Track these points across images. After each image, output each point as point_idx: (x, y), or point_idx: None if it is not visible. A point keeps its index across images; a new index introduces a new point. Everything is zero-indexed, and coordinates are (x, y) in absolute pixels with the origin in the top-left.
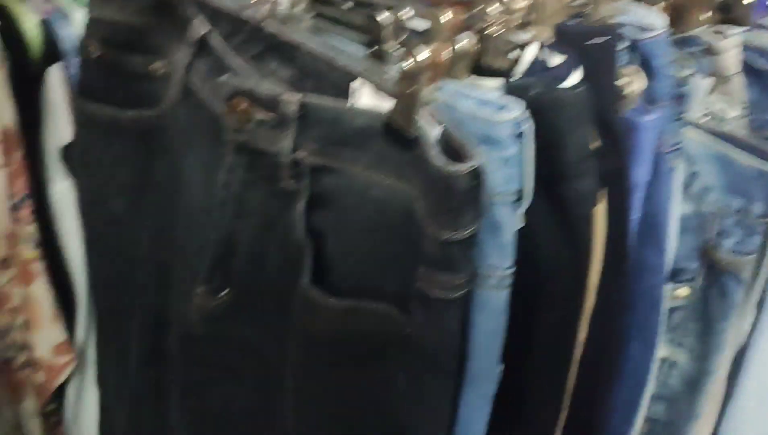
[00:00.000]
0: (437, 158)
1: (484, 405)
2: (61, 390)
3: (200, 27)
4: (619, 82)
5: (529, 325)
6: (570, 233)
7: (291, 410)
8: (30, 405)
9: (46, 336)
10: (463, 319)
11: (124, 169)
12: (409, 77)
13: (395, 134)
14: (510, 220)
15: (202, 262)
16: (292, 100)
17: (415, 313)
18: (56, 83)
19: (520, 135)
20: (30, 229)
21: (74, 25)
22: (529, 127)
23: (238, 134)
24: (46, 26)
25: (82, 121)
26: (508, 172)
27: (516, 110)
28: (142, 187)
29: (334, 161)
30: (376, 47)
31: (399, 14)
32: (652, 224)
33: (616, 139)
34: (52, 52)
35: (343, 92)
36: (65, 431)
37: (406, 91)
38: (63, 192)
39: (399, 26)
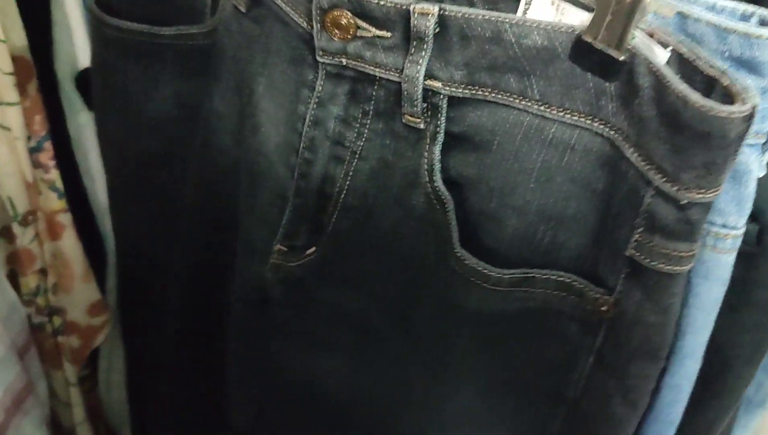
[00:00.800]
0: (688, 93)
1: (688, 386)
2: (92, 354)
3: None
4: None
5: (742, 286)
6: None
7: (423, 398)
8: (67, 373)
9: (79, 296)
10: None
11: (160, 100)
12: None
13: (592, 57)
14: (756, 167)
15: (281, 214)
16: (426, 12)
17: (622, 288)
18: None
19: None
20: (53, 176)
21: None
22: None
23: (334, 57)
24: None
25: (105, 42)
26: (766, 106)
27: None
28: (185, 121)
29: (489, 92)
30: None
31: None
32: None
33: None
34: None
35: (501, 1)
36: (99, 397)
37: None
38: (83, 127)
39: None
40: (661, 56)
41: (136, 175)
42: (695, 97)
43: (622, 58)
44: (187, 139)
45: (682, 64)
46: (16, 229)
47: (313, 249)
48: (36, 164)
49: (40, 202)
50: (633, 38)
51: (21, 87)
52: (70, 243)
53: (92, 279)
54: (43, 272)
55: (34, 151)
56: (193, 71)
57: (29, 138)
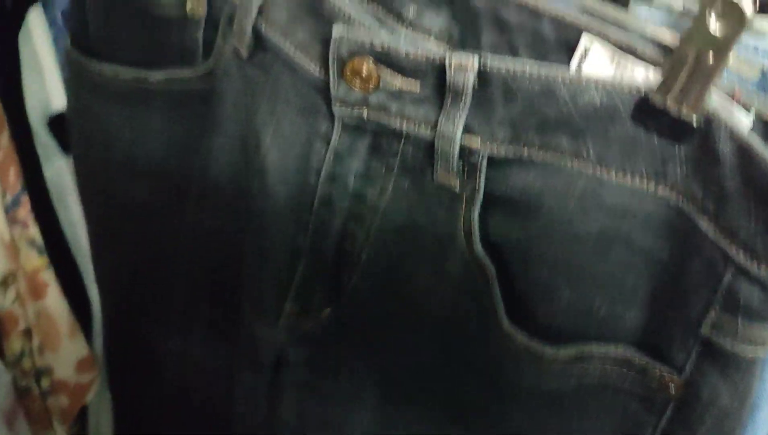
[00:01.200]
0: None
1: None
2: (81, 409)
3: None
4: None
5: None
6: None
7: None
8: (57, 434)
9: (66, 354)
10: None
11: (150, 147)
12: (705, 35)
13: (659, 118)
14: None
15: (292, 272)
16: (465, 65)
17: (694, 368)
18: (38, 32)
19: None
20: (32, 232)
21: None
22: None
23: (354, 108)
24: None
25: (86, 87)
26: None
27: None
28: (178, 169)
29: (537, 151)
30: None
31: None
32: None
33: None
34: None
35: (551, 53)
36: None
37: (698, 56)
38: (60, 174)
39: None
40: (743, 121)
41: (124, 225)
42: None
43: (696, 122)
44: (181, 187)
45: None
46: None
47: (329, 310)
48: (13, 220)
49: (19, 260)
50: (709, 99)
51: None
52: (54, 300)
53: (79, 334)
54: (27, 333)
55: (10, 207)
56: (186, 117)
57: (4, 194)
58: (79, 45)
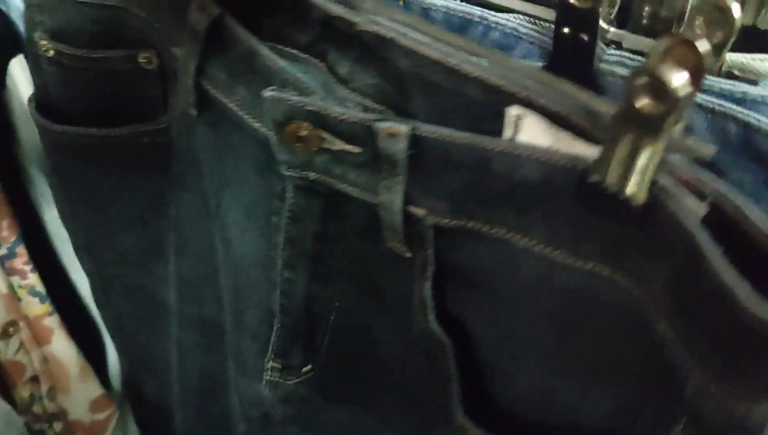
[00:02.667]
0: (735, 288)
1: None
2: None
3: (206, 7)
4: None
5: None
6: None
7: None
8: None
9: (78, 395)
10: None
11: (125, 200)
12: (636, 117)
13: (602, 198)
14: None
15: (270, 329)
16: (395, 132)
17: None
18: (22, 80)
19: None
20: (32, 280)
21: None
22: None
23: (301, 170)
24: None
25: (55, 148)
26: None
27: None
28: (156, 220)
29: (483, 226)
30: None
31: None
32: None
33: None
34: (6, 39)
35: (486, 122)
36: None
37: (634, 137)
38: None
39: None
40: (696, 211)
41: (115, 274)
42: (744, 295)
43: (638, 204)
44: (161, 238)
45: (728, 226)
46: None
47: (310, 367)
48: (10, 271)
49: (20, 309)
50: (656, 184)
51: None
52: (60, 345)
53: (90, 375)
54: (34, 380)
55: (6, 258)
56: (155, 170)
57: None
58: (42, 109)
